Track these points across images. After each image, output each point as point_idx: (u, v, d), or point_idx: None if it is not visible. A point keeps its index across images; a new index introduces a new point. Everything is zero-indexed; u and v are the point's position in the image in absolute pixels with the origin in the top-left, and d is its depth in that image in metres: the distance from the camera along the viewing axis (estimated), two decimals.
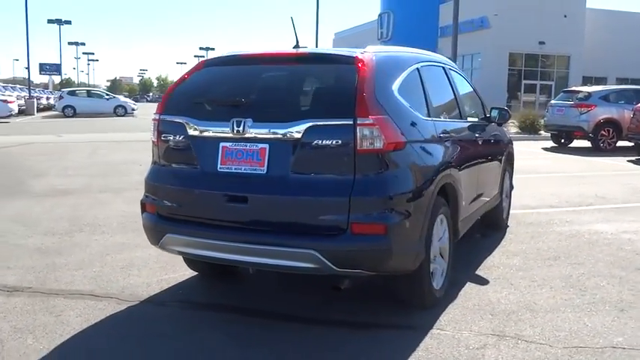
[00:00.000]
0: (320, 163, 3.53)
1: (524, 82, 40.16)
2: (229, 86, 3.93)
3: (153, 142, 4.05)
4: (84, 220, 6.93)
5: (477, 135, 5.21)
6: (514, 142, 7.18)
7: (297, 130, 3.49)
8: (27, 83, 42.37)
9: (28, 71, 43.40)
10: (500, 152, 6.15)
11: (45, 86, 73.73)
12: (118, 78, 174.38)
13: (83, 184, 9.60)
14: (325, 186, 3.50)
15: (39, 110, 36.89)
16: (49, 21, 53.96)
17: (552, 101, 18.03)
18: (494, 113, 5.87)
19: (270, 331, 3.77)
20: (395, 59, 4.13)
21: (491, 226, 6.43)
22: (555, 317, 4.01)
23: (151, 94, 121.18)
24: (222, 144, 3.71)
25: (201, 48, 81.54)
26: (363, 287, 4.49)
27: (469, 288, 4.59)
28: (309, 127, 3.48)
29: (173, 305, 4.24)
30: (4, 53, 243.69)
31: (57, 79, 76.20)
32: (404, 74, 4.01)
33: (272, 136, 3.57)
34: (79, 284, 4.63)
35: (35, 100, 36.96)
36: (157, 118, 4.01)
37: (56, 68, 66.23)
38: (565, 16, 38.85)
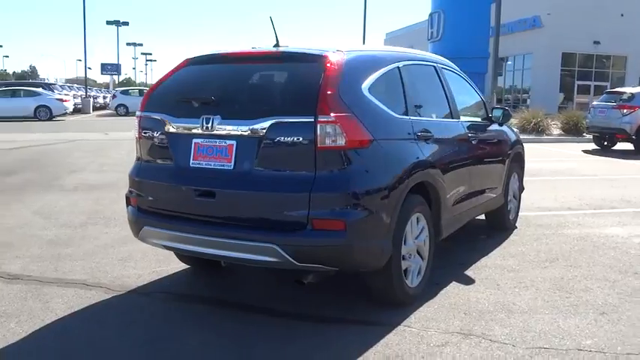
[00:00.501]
0: (283, 159, 3.62)
1: (577, 83, 39.02)
2: (204, 84, 4.06)
3: (136, 138, 4.22)
4: (102, 214, 7.22)
5: (470, 134, 5.17)
6: (554, 144, 7.06)
7: (261, 127, 3.59)
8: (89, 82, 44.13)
9: (85, 71, 45.16)
10: (504, 153, 6.06)
11: (107, 86, 76.30)
12: None
13: (114, 179, 9.95)
14: (287, 182, 3.58)
15: (95, 109, 38.26)
16: (108, 22, 55.89)
17: (594, 102, 17.47)
18: (497, 113, 5.81)
19: (240, 323, 3.88)
20: (368, 58, 4.16)
21: (496, 227, 6.36)
22: (530, 318, 3.96)
23: None
24: (194, 140, 3.84)
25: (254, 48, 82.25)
26: (344, 283, 4.54)
27: (452, 287, 4.57)
28: (273, 124, 3.57)
29: (155, 295, 4.40)
30: (69, 54, 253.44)
31: (118, 78, 78.80)
32: (378, 73, 4.04)
33: (239, 132, 3.68)
34: (75, 274, 4.85)
35: (92, 99, 38.38)
36: (139, 115, 4.18)
37: (116, 68, 68.69)
38: (622, 15, 37.55)
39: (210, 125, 3.73)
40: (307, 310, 4.10)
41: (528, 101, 35.62)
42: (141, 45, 76.42)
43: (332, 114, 3.51)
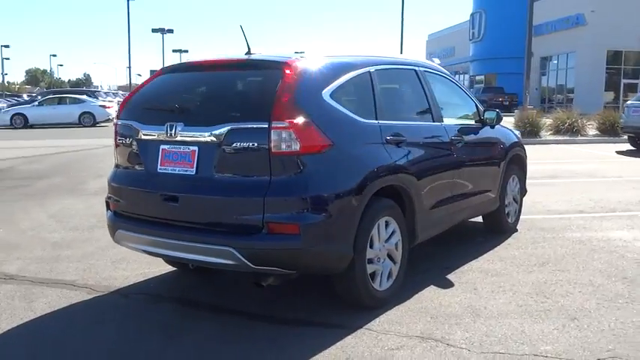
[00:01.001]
0: (239, 164, 3.71)
1: (623, 81, 37.78)
2: (172, 92, 4.19)
3: (113, 145, 4.38)
4: None
5: (455, 138, 5.13)
6: (588, 145, 6.93)
7: (219, 133, 3.69)
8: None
9: (130, 78, 46.58)
10: (499, 155, 5.99)
11: None
12: None
13: None
14: (243, 186, 3.67)
15: None
16: (153, 30, 57.22)
17: (629, 102, 16.91)
18: (489, 116, 5.75)
19: (207, 324, 3.98)
20: (333, 64, 4.20)
21: (494, 230, 6.28)
22: (496, 323, 3.93)
23: None
24: (162, 147, 3.97)
25: (296, 52, 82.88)
26: (317, 285, 4.58)
27: (428, 291, 4.56)
28: (230, 130, 3.66)
29: (134, 297, 4.54)
30: (121, 62, 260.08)
31: None
32: (343, 78, 4.08)
33: (200, 139, 3.79)
34: (67, 275, 5.05)
35: None
36: (115, 122, 4.35)
37: None
38: None
39: (173, 132, 3.85)
40: (277, 313, 4.17)
41: (574, 100, 34.69)
42: (186, 52, 77.81)
43: (286, 120, 3.57)
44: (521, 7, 30.34)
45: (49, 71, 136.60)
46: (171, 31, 57.87)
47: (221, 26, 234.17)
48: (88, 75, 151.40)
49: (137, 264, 5.32)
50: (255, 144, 3.60)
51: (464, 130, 5.42)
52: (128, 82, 55.92)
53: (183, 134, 3.83)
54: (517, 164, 6.51)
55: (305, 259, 3.67)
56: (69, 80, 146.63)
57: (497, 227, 6.27)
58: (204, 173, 3.78)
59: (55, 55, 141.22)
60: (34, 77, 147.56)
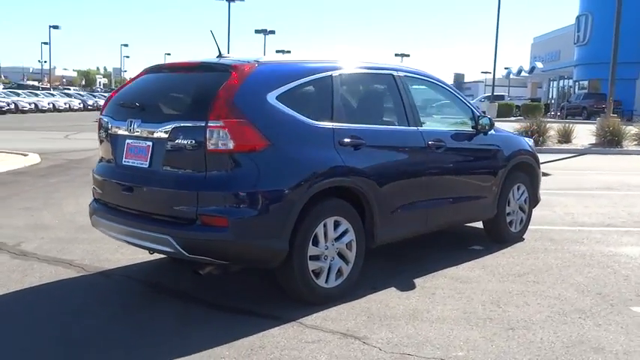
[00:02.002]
0: (181, 159, 4.01)
1: None
2: (141, 90, 4.55)
3: (98, 139, 4.83)
4: None
5: (434, 142, 5.13)
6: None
7: (165, 130, 4.01)
8: None
9: None
10: (497, 162, 5.89)
11: None
12: None
13: None
14: (182, 180, 3.98)
15: None
16: (256, 31, 59.22)
17: None
18: (484, 122, 5.69)
19: (164, 305, 4.33)
20: (286, 69, 4.39)
21: (494, 239, 6.19)
22: (428, 327, 3.97)
23: None
24: (127, 141, 4.35)
25: (396, 54, 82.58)
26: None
27: (385, 292, 4.63)
28: (174, 127, 3.97)
29: (114, 277, 4.97)
30: None
31: None
32: (295, 82, 4.26)
33: (153, 135, 4.13)
34: (70, 255, 5.58)
35: None
36: (98, 117, 4.79)
37: None
38: None
39: (132, 127, 4.22)
40: (234, 303, 4.37)
41: None
42: (289, 52, 79.84)
43: (222, 120, 3.83)
44: (632, 10, 28.64)
45: None
46: (273, 32, 59.56)
47: (323, 26, 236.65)
48: None
49: (133, 250, 5.72)
50: (194, 141, 3.89)
51: (447, 135, 5.41)
52: None
53: (140, 130, 4.20)
54: (525, 172, 6.36)
55: (234, 251, 3.92)
56: None
57: (497, 235, 6.17)
58: (154, 167, 4.12)
59: (169, 54, 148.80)
60: None
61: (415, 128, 5.07)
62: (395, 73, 5.11)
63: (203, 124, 3.85)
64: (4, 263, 5.29)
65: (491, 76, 70.44)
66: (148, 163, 4.17)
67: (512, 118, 20.08)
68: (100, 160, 4.83)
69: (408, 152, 4.99)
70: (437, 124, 5.45)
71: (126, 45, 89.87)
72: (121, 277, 5.02)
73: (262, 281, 4.83)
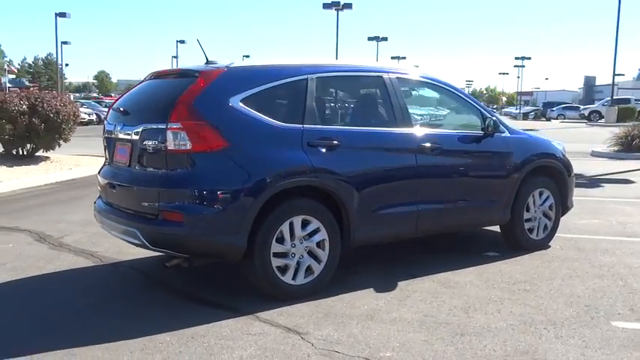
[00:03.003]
0: (148, 159, 4.34)
1: None
2: (131, 97, 4.94)
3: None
4: None
5: (427, 144, 5.06)
6: None
7: (136, 132, 4.36)
8: None
9: None
10: (509, 166, 5.65)
11: None
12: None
13: None
14: (148, 178, 4.31)
15: None
16: (369, 39, 59.67)
17: None
18: (489, 124, 5.51)
19: (156, 297, 4.67)
20: (255, 73, 4.55)
21: (511, 245, 5.95)
22: (375, 327, 3.98)
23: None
24: (117, 143, 4.75)
25: (516, 58, 79.60)
26: None
27: (359, 292, 4.65)
28: (143, 129, 4.32)
29: (122, 269, 5.38)
30: None
31: None
32: (264, 86, 4.44)
33: (130, 137, 4.49)
34: (95, 247, 6.09)
35: None
36: (104, 122, 5.26)
37: None
38: None
39: (117, 130, 4.62)
40: (210, 297, 4.59)
41: None
42: (404, 58, 79.76)
43: (180, 122, 4.10)
44: None
45: None
46: (385, 39, 59.67)
47: (436, 31, 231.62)
48: None
49: None
50: (158, 142, 4.21)
51: (446, 137, 5.32)
52: None
53: (122, 133, 4.58)
54: (550, 177, 6.06)
55: (192, 246, 4.17)
56: None
57: (514, 242, 5.93)
58: (131, 166, 4.49)
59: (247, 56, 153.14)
60: None
61: (405, 130, 5.03)
62: (386, 75, 5.11)
63: (164, 126, 4.15)
64: (39, 253, 5.92)
65: (623, 78, 65.79)
66: (127, 162, 4.53)
67: (629, 123, 18.65)
68: (104, 162, 5.29)
69: (394, 154, 4.97)
70: (437, 126, 5.35)
71: (247, 56, 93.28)
72: (128, 268, 5.43)
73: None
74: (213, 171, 4.16)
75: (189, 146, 4.11)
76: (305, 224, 4.49)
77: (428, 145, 5.10)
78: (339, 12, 40.68)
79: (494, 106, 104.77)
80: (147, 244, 4.22)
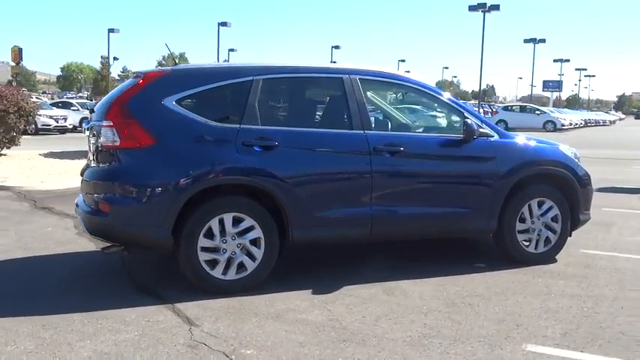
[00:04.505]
0: (95, 154, 4.72)
1: None
2: (104, 97, 5.36)
3: None
4: None
5: (382, 147, 4.88)
6: None
7: (87, 129, 4.78)
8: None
9: (531, 89, 47.73)
10: (492, 172, 5.23)
11: (543, 103, 77.54)
12: (627, 94, 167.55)
13: None
14: (92, 172, 4.72)
15: None
16: (525, 41, 56.69)
17: None
18: (472, 127, 5.16)
19: (107, 279, 5.08)
20: (193, 75, 4.75)
21: (507, 258, 5.49)
22: (268, 325, 4.01)
23: None
24: (91, 141, 5.20)
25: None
26: None
27: (289, 293, 4.62)
28: (91, 126, 4.72)
29: (112, 256, 5.70)
30: (513, 73, 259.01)
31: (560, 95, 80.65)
32: (201, 88, 4.64)
33: (88, 134, 4.92)
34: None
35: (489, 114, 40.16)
36: None
37: (557, 85, 71.28)
38: None
39: (83, 128, 5.08)
40: (159, 289, 4.76)
41: None
42: (567, 61, 74.84)
43: (111, 120, 4.44)
44: None
45: (455, 82, 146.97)
46: (543, 40, 56.34)
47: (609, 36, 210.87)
48: (492, 86, 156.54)
49: None
50: (96, 137, 4.59)
51: (411, 140, 5.11)
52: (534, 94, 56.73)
53: (86, 130, 5.04)
54: (554, 186, 5.54)
55: (118, 235, 4.49)
56: (472, 91, 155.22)
57: (506, 253, 5.50)
58: (91, 161, 4.91)
59: (447, 68, 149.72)
60: (441, 87, 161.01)
61: (359, 132, 4.91)
62: (346, 76, 5.03)
63: (99, 123, 4.52)
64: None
65: None
66: (90, 158, 4.97)
67: None
68: None
69: (343, 156, 4.88)
70: (406, 128, 5.14)
71: (404, 60, 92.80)
72: (116, 254, 5.68)
73: None
74: (139, 166, 4.44)
75: (118, 142, 4.43)
76: (238, 221, 4.59)
77: (387, 147, 4.94)
78: (486, 14, 39.13)
79: None
80: (86, 231, 4.62)
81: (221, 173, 4.55)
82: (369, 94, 5.22)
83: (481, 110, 34.24)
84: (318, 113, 5.19)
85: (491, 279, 5.08)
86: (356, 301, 4.50)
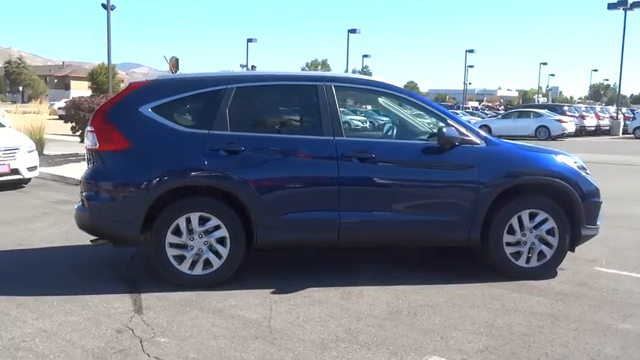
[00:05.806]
0: (86, 157, 5.27)
1: None
2: None
3: None
4: None
5: (350, 153, 4.93)
6: None
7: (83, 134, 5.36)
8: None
9: (619, 92, 43.57)
10: (472, 181, 5.06)
11: None
12: None
13: None
14: (83, 172, 5.23)
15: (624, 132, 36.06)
16: None
17: None
18: (448, 135, 5.03)
19: (96, 268, 5.57)
20: (171, 84, 5.10)
21: (497, 270, 5.28)
22: (200, 318, 4.26)
23: None
24: None
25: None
26: None
27: (247, 292, 4.81)
28: (85, 131, 5.28)
29: (100, 250, 6.01)
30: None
31: None
32: (177, 96, 5.02)
33: None
34: None
35: (622, 120, 36.81)
36: None
37: None
38: None
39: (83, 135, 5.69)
40: (141, 281, 5.16)
41: None
42: None
43: (93, 125, 4.97)
44: None
45: (612, 86, 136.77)
46: None
47: None
48: None
49: None
50: (86, 141, 5.14)
51: (382, 147, 5.11)
52: None
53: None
54: (549, 197, 5.22)
55: (97, 229, 5.01)
56: (631, 95, 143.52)
57: (495, 267, 5.28)
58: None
59: (595, 70, 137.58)
60: (597, 92, 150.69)
61: (328, 138, 5.00)
62: (321, 84, 5.13)
63: (87, 129, 5.07)
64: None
65: None
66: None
67: None
68: None
69: (309, 160, 5.00)
70: (381, 135, 5.11)
71: (544, 63, 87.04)
72: (105, 251, 5.91)
73: None
74: (114, 167, 4.92)
75: (97, 146, 4.94)
76: (205, 221, 4.91)
77: (356, 154, 4.99)
78: (627, 12, 35.88)
79: None
80: (77, 225, 5.19)
81: (187, 175, 4.90)
82: (348, 102, 5.30)
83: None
84: (290, 119, 5.36)
85: (462, 290, 4.92)
86: (304, 302, 4.61)
